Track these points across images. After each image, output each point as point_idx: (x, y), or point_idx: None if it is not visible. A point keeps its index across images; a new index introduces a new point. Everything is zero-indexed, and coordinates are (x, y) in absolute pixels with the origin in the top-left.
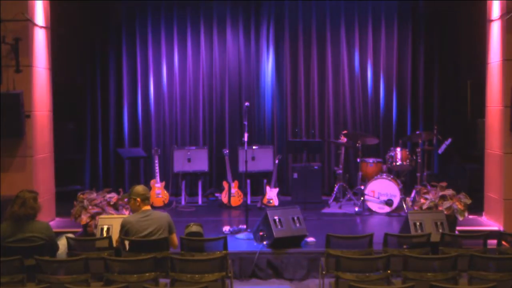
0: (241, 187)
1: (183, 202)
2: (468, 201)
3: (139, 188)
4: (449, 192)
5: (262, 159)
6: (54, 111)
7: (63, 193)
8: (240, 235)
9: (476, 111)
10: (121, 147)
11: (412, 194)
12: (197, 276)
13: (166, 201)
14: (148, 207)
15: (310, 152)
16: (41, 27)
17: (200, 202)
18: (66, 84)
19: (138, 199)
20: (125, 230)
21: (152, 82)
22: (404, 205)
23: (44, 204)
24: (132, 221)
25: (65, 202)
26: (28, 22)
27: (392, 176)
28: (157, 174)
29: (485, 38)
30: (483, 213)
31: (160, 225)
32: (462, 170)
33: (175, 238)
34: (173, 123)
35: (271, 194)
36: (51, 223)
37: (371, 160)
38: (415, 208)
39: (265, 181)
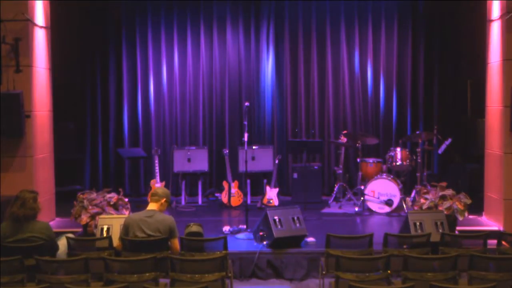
0: (241, 187)
1: (183, 202)
2: (468, 201)
3: (156, 188)
4: (449, 192)
5: (262, 159)
6: (54, 111)
7: (63, 193)
8: (240, 235)
9: (476, 111)
10: (121, 147)
11: (412, 194)
12: (197, 276)
13: None
14: (154, 206)
15: (310, 152)
16: (41, 27)
17: (200, 202)
18: (66, 84)
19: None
20: (125, 227)
21: (152, 82)
22: (404, 205)
23: (44, 204)
24: (135, 219)
25: (65, 202)
26: (28, 22)
27: (392, 176)
28: (157, 174)
29: (485, 38)
30: (483, 213)
31: (159, 228)
32: (462, 170)
33: (176, 243)
34: (173, 123)
35: (271, 194)
36: (51, 223)
37: (371, 160)
38: (415, 208)
39: (265, 181)
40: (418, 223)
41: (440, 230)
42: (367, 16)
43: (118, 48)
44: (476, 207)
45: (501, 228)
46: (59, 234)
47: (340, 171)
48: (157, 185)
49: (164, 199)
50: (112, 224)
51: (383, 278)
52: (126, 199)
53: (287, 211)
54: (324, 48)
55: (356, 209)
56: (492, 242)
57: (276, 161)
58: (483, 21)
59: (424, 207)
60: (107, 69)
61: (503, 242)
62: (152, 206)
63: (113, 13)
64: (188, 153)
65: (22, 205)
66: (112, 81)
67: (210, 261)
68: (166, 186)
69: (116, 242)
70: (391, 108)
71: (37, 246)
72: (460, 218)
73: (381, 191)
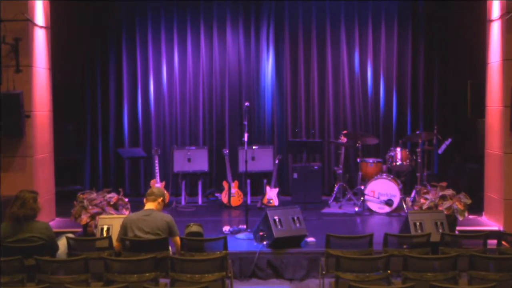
0: (241, 187)
1: (183, 202)
2: (468, 201)
3: (152, 188)
4: (449, 192)
5: (262, 159)
6: (54, 111)
7: (63, 193)
8: (240, 235)
9: (476, 111)
10: (121, 147)
11: (412, 194)
12: (197, 276)
13: (166, 201)
14: (152, 206)
15: (310, 152)
16: (41, 27)
17: (200, 202)
18: (66, 84)
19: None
20: (123, 228)
21: (152, 82)
22: (404, 205)
23: (44, 204)
24: (133, 219)
25: (65, 202)
26: (28, 22)
27: (392, 176)
28: (157, 174)
29: (485, 38)
30: (483, 213)
31: (158, 227)
32: (462, 170)
33: (178, 240)
34: (173, 123)
35: (271, 194)
36: (51, 223)
37: (371, 160)
38: (415, 208)
39: (265, 181)
40: (418, 223)
41: (440, 230)
42: (367, 16)
43: (118, 48)
44: (476, 207)
45: (501, 228)
46: (59, 234)
47: (340, 171)
48: (157, 185)
49: (161, 198)
50: (112, 224)
51: (383, 278)
52: (126, 199)
53: (287, 211)
54: (324, 48)
55: (356, 209)
56: (492, 242)
57: (276, 161)
58: (483, 21)
59: (424, 207)
60: (107, 69)
61: (503, 242)
62: (149, 205)
63: (113, 13)
64: (188, 153)
65: (22, 205)
66: (112, 81)
67: (210, 261)
68: (166, 186)
69: (114, 242)
70: (391, 108)
71: (37, 246)
72: (460, 218)
73: (381, 191)
